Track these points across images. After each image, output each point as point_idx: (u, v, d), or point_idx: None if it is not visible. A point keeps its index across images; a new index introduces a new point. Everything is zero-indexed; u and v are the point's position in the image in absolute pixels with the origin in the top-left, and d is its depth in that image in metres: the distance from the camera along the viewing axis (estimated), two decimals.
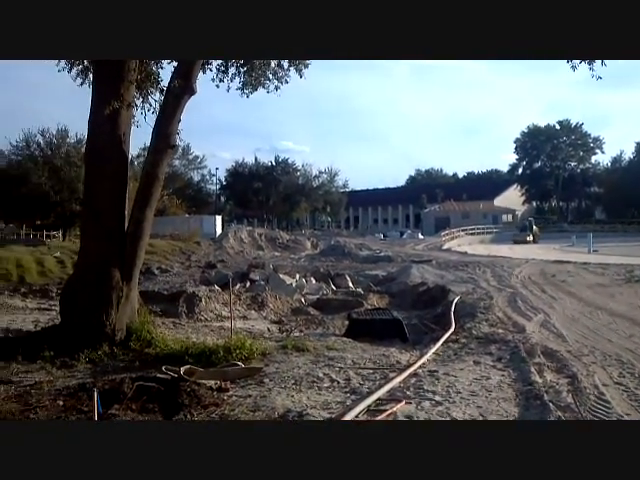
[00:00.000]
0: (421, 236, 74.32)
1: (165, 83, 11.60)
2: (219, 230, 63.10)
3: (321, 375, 8.48)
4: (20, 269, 31.18)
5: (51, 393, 7.42)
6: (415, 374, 8.58)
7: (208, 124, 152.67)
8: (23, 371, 8.71)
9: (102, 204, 10.46)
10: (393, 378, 8.16)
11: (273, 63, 13.49)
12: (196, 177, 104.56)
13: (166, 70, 13.03)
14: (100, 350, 9.53)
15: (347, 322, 13.40)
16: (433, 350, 10.37)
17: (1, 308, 16.03)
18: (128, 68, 10.57)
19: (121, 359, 9.49)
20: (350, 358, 9.71)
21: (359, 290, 21.08)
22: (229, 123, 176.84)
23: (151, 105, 12.45)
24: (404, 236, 74.79)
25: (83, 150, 60.17)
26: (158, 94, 13.10)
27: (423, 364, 9.27)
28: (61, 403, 7.06)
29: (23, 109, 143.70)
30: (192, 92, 10.65)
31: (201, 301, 15.57)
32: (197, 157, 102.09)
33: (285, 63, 13.46)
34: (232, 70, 13.43)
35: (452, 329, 12.25)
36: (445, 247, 56.12)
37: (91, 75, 13.92)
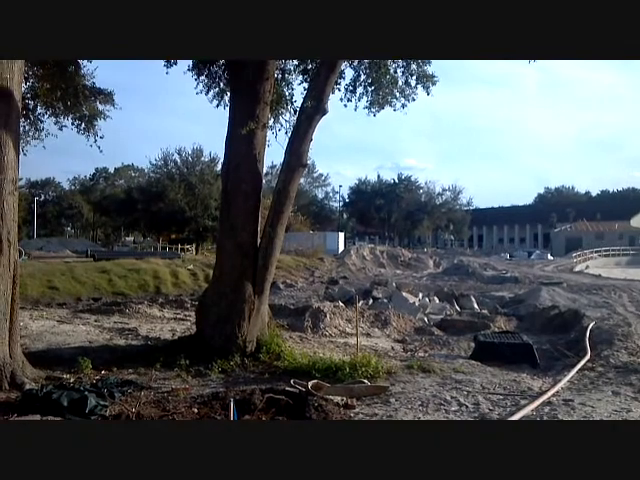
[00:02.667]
0: (550, 257, 70.81)
1: (297, 104, 12.00)
2: (341, 247, 63.80)
3: (448, 398, 8.28)
4: (157, 280, 33.13)
5: (187, 400, 7.80)
6: (548, 402, 8.16)
7: (332, 142, 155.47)
8: (161, 378, 9.20)
9: (237, 220, 10.94)
10: (525, 405, 7.82)
11: (401, 81, 13.54)
12: (320, 194, 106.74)
13: (296, 91, 13.54)
14: (232, 361, 9.92)
15: (474, 344, 13.03)
16: (568, 378, 9.81)
17: (141, 317, 17.09)
18: (264, 90, 11.03)
19: (251, 370, 9.81)
20: (478, 382, 9.42)
21: (485, 312, 20.49)
22: (352, 141, 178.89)
23: (282, 125, 12.93)
24: (532, 256, 71.61)
25: (216, 168, 63.36)
26: (288, 114, 13.60)
27: (557, 392, 8.80)
28: (196, 410, 7.39)
29: (162, 130, 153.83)
30: (324, 112, 10.90)
31: (326, 316, 15.77)
32: (321, 175, 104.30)
33: (412, 81, 13.48)
34: (360, 89, 13.64)
35: (587, 356, 11.55)
36: (577, 269, 53.19)
37: (226, 97, 14.73)
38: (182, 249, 56.80)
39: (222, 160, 12.24)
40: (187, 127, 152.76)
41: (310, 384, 8.15)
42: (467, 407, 7.89)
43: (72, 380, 8.75)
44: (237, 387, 8.49)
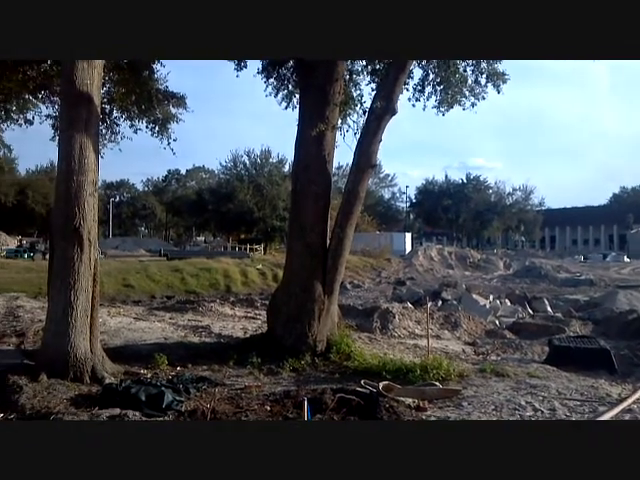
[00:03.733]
0: (627, 259, 67.92)
1: (366, 105, 11.98)
2: (408, 247, 63.31)
3: (523, 403, 8.06)
4: (227, 279, 33.87)
5: (259, 398, 7.90)
6: (629, 410, 7.84)
7: (398, 142, 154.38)
8: (234, 375, 9.36)
9: (307, 221, 11.02)
10: (603, 412, 7.54)
11: (470, 79, 13.31)
12: (386, 195, 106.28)
13: (364, 91, 13.53)
14: (303, 360, 10.01)
15: (548, 348, 12.66)
16: None
17: (213, 315, 17.47)
18: (333, 91, 11.07)
19: (322, 370, 9.86)
20: (554, 387, 9.12)
21: (558, 315, 19.91)
22: (418, 141, 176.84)
23: (350, 126, 12.93)
24: (607, 259, 68.96)
25: (284, 169, 64.11)
26: (356, 115, 13.60)
27: (638, 399, 8.45)
28: (268, 408, 7.48)
29: (232, 132, 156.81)
30: (393, 112, 10.83)
31: (395, 318, 15.69)
32: (388, 175, 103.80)
33: (482, 79, 13.23)
34: (428, 89, 13.50)
35: None
36: None
37: (295, 99, 14.86)
38: (251, 249, 57.71)
39: (291, 161, 12.38)
40: (256, 129, 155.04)
41: (381, 385, 8.12)
42: (542, 412, 7.66)
43: (149, 375, 9.04)
44: (308, 386, 8.54)
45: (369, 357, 10.32)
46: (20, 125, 16.57)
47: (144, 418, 6.90)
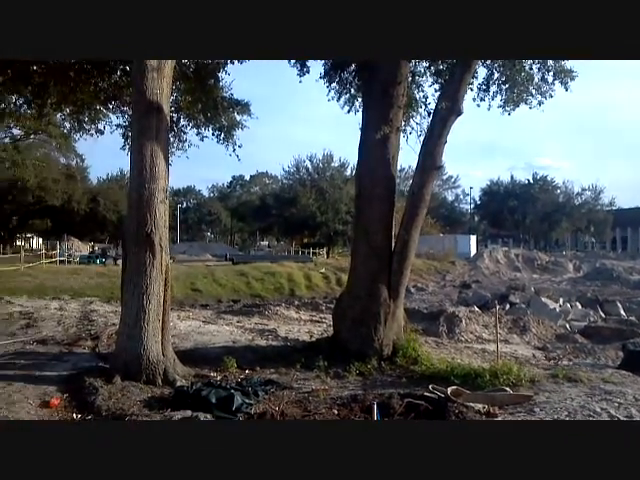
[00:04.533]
0: None
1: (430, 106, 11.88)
2: (473, 250, 62.23)
3: (598, 409, 7.78)
4: (291, 283, 34.19)
5: (327, 402, 7.93)
6: None
7: (460, 143, 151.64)
8: (301, 378, 9.41)
9: (371, 224, 10.98)
10: None
11: (537, 77, 13.02)
12: (450, 197, 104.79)
13: (427, 92, 13.41)
14: (369, 364, 9.97)
15: (622, 353, 12.21)
16: None
17: (279, 318, 17.67)
18: (397, 93, 11.00)
19: (388, 374, 9.80)
20: (631, 394, 8.76)
21: (632, 319, 19.20)
22: (482, 141, 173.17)
23: (413, 128, 12.85)
24: None
25: (346, 173, 64.16)
26: (419, 117, 13.50)
27: None
28: (336, 412, 7.50)
29: (294, 138, 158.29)
30: (459, 113, 10.69)
31: (461, 321, 15.47)
32: (451, 177, 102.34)
33: (549, 77, 12.91)
34: (493, 88, 13.28)
35: None
36: None
37: (357, 103, 14.87)
38: (314, 253, 58.00)
39: (353, 165, 12.42)
40: (318, 134, 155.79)
41: (449, 390, 8.01)
42: (619, 420, 7.39)
43: (218, 378, 9.21)
44: (375, 390, 8.50)
45: (436, 361, 10.21)
46: (91, 135, 17.24)
47: (215, 420, 7.03)
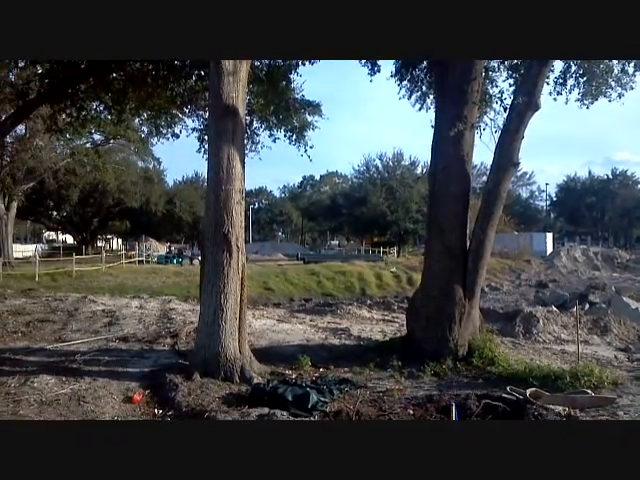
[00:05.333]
0: None
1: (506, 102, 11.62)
2: (549, 248, 60.35)
3: None
4: (362, 282, 34.18)
5: (401, 401, 7.89)
6: None
7: (534, 137, 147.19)
8: (375, 378, 9.41)
9: (445, 223, 10.84)
10: None
11: (616, 69, 12.55)
12: (524, 193, 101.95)
13: (502, 87, 13.11)
14: (444, 364, 9.86)
15: None
16: None
17: (352, 317, 17.70)
18: (471, 90, 10.83)
19: (464, 375, 9.66)
20: None
21: None
22: (557, 136, 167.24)
23: (486, 124, 12.59)
24: None
25: (416, 171, 63.64)
26: (493, 112, 13.23)
27: None
28: (411, 412, 7.44)
29: (364, 137, 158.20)
30: (536, 108, 10.42)
31: (539, 322, 15.03)
32: (525, 173, 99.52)
33: (630, 68, 12.42)
34: (570, 81, 12.89)
35: None
36: None
37: (428, 100, 14.73)
38: (384, 252, 57.75)
39: (424, 163, 12.32)
40: (387, 132, 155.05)
41: (528, 392, 7.83)
42: None
43: (294, 376, 9.31)
44: (451, 391, 8.41)
45: (514, 362, 10.01)
46: (167, 139, 17.83)
47: (291, 418, 7.12)
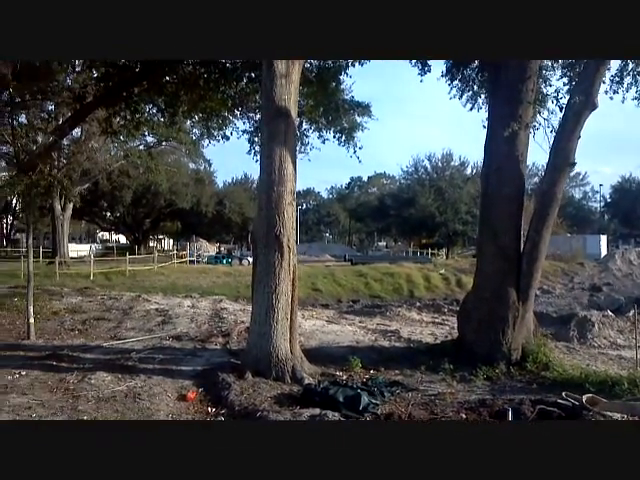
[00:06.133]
0: None
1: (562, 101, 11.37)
2: (604, 251, 58.73)
3: None
4: (410, 284, 33.92)
5: (454, 405, 7.80)
6: None
7: (588, 137, 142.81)
8: (427, 381, 9.32)
9: (499, 224, 10.66)
10: None
11: None
12: (577, 194, 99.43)
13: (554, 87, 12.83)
14: (497, 368, 9.70)
15: None
16: None
17: (401, 319, 17.61)
18: (526, 89, 10.64)
19: (518, 379, 9.47)
20: None
21: None
22: (611, 135, 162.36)
23: (540, 124, 12.36)
24: None
25: (466, 172, 62.81)
26: (546, 112, 12.95)
27: None
28: (464, 416, 7.35)
29: (411, 137, 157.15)
30: (594, 107, 10.15)
31: (594, 326, 14.66)
32: (578, 174, 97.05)
33: None
34: (628, 79, 12.53)
35: None
36: None
37: (479, 100, 14.51)
38: (432, 253, 57.22)
39: (473, 164, 12.16)
40: (436, 132, 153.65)
41: (584, 398, 7.63)
42: None
43: (344, 377, 9.31)
44: (504, 396, 8.26)
45: (569, 368, 9.78)
46: (218, 140, 18.06)
47: (342, 419, 7.12)
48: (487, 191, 11.09)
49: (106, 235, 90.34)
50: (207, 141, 18.61)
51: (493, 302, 10.41)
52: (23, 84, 13.08)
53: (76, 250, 53.73)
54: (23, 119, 16.60)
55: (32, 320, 12.64)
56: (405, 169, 74.00)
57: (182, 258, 43.47)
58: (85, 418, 7.13)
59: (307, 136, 16.81)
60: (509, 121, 10.32)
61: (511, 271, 10.45)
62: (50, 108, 17.73)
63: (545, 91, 13.49)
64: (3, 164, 29.43)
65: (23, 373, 9.34)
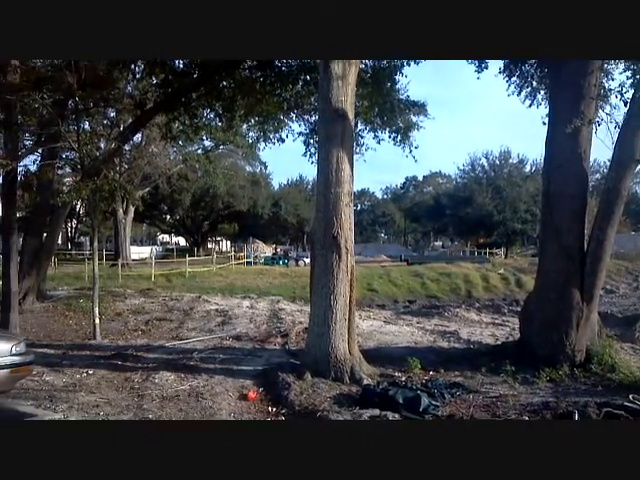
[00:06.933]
0: None
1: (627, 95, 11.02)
2: None
3: None
4: (468, 284, 33.44)
5: (516, 407, 7.68)
6: None
7: None
8: (488, 382, 9.19)
9: (562, 223, 10.40)
10: None
11: None
12: None
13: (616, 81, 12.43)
14: (560, 370, 9.47)
15: None
16: None
17: (459, 320, 17.41)
18: (588, 84, 10.36)
19: (582, 382, 9.22)
20: None
21: None
22: None
23: (602, 119, 11.98)
24: None
25: (524, 170, 61.42)
26: (609, 107, 12.55)
27: None
28: (526, 418, 7.22)
29: (467, 136, 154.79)
30: None
31: None
32: None
33: None
34: None
35: None
36: None
37: (539, 96, 14.20)
38: (490, 253, 56.24)
39: (532, 161, 11.89)
40: (494, 130, 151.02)
41: None
42: None
43: (403, 378, 9.30)
44: (568, 398, 8.06)
45: (636, 370, 9.46)
46: (274, 143, 18.29)
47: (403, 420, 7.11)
48: (549, 189, 10.83)
49: (166, 237, 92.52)
50: (263, 144, 18.93)
51: (556, 303, 10.16)
52: (87, 93, 13.56)
53: (137, 252, 55.20)
54: (87, 126, 17.19)
55: (97, 321, 13.09)
56: (462, 168, 72.98)
57: (239, 259, 44.08)
58: (150, 417, 7.35)
59: (362, 137, 16.84)
60: (571, 117, 10.05)
61: (575, 271, 10.18)
62: (112, 115, 18.30)
63: (607, 85, 13.10)
64: (68, 170, 30.46)
65: (90, 372, 9.70)
